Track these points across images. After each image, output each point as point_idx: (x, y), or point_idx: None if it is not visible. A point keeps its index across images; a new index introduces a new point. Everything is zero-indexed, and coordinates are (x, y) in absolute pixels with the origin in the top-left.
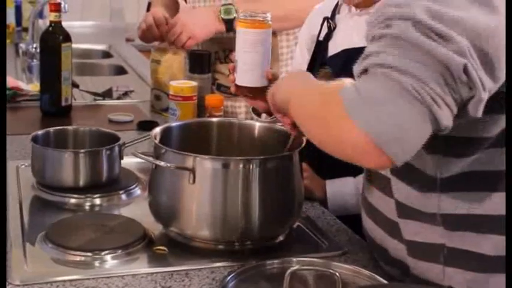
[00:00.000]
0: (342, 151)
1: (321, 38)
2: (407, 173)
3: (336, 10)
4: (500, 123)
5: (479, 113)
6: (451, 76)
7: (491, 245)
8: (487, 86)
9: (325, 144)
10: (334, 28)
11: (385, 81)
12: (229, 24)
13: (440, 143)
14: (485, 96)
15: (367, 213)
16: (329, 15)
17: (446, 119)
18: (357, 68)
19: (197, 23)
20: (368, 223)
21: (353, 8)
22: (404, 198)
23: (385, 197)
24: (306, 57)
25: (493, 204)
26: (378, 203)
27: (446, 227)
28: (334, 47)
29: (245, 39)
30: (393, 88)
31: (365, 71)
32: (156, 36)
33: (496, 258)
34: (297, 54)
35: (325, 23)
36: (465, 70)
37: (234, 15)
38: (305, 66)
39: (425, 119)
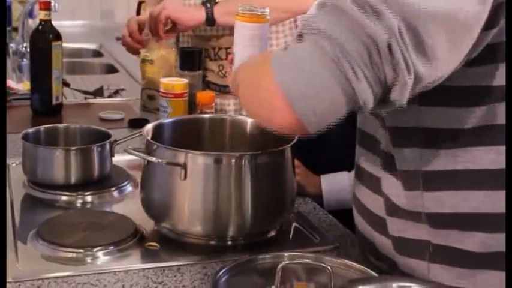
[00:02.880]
0: (260, 110)
1: None
2: (395, 168)
3: None
4: (477, 115)
5: (404, 99)
6: (377, 52)
7: (477, 242)
8: (418, 71)
9: (250, 106)
10: None
11: (310, 44)
12: (210, 12)
13: (417, 135)
14: (410, 80)
15: (356, 209)
16: None
17: (364, 93)
18: (295, 32)
19: (174, 4)
20: (358, 219)
21: None
22: (393, 195)
23: (373, 195)
24: None
25: (478, 202)
26: (366, 200)
27: (432, 225)
28: None
29: (243, 33)
30: (316, 50)
31: (300, 36)
32: (135, 45)
33: (482, 255)
34: None
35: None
36: (390, 47)
37: (213, 1)
38: None
39: (340, 85)
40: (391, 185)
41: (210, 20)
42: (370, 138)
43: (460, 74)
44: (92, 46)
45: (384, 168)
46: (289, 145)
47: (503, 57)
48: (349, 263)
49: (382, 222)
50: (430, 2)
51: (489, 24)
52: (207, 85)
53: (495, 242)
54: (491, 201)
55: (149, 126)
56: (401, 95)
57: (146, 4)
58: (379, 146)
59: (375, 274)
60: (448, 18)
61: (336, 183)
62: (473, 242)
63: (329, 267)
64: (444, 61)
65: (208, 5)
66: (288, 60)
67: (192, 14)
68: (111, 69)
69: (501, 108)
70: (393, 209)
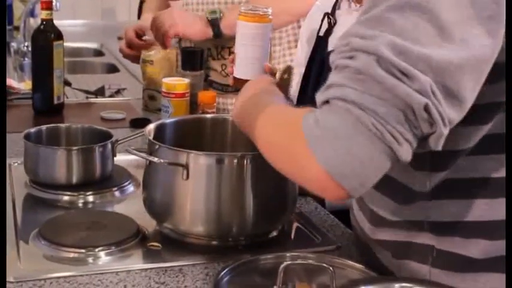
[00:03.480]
0: (304, 184)
1: (321, 34)
2: (390, 187)
3: (336, 6)
4: (481, 132)
5: (439, 147)
6: (413, 113)
7: (479, 249)
8: (451, 119)
9: (289, 175)
10: (335, 24)
11: (345, 117)
12: (216, 28)
13: (426, 160)
14: (446, 131)
15: (352, 215)
16: (330, 10)
17: (406, 154)
18: (319, 97)
19: (183, 19)
20: (353, 220)
21: (353, 4)
22: (379, 209)
23: (359, 205)
24: (306, 51)
25: (480, 210)
26: (356, 209)
27: (434, 232)
28: (334, 43)
29: (245, 33)
30: (353, 124)
31: (327, 102)
32: (136, 54)
33: (483, 261)
34: (298, 49)
35: (326, 18)
36: (426, 108)
37: (219, 15)
38: (305, 62)
39: (384, 156)
40: (374, 200)
41: (218, 35)
42: None
43: None
44: (93, 45)
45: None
46: None
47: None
48: (351, 263)
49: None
50: (453, 53)
51: None
52: (209, 84)
53: (497, 247)
54: (493, 209)
55: (151, 126)
56: (436, 144)
57: (146, 4)
58: None
59: (376, 274)
60: (471, 63)
61: None
62: (476, 249)
63: (331, 268)
64: (472, 99)
65: (215, 24)
66: (325, 137)
67: (200, 30)
68: (112, 69)
69: (501, 118)
70: (380, 221)
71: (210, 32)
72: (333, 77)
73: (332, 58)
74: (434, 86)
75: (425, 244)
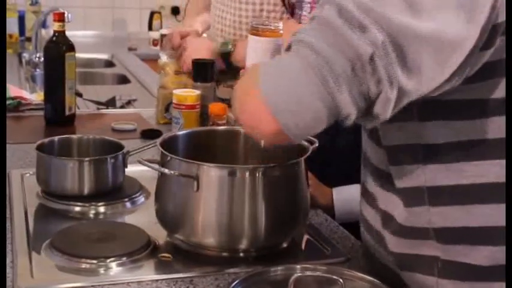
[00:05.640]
0: (246, 119)
1: None
2: (391, 185)
3: None
4: (478, 128)
5: (388, 114)
6: (361, 65)
7: (485, 256)
8: (403, 86)
9: (240, 114)
10: None
11: (295, 56)
12: (227, 61)
13: (418, 152)
14: (392, 95)
15: (362, 224)
16: None
17: (347, 106)
18: (286, 43)
19: (200, 53)
20: (364, 235)
21: None
22: (392, 212)
23: (372, 210)
24: None
25: (485, 216)
26: (368, 215)
27: (440, 240)
28: None
29: (256, 47)
30: (300, 63)
31: (289, 47)
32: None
33: (491, 268)
34: None
35: None
36: (371, 59)
37: (230, 47)
38: None
39: (322, 99)
40: (387, 202)
41: (229, 68)
42: (364, 154)
43: (459, 88)
44: (103, 56)
45: (376, 185)
46: (303, 157)
47: (502, 73)
48: (361, 275)
49: (382, 238)
50: (418, 22)
51: (485, 45)
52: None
53: (503, 254)
54: (498, 215)
55: (163, 138)
56: (383, 110)
57: (185, 15)
58: (371, 163)
59: (386, 286)
60: (433, 37)
61: (347, 196)
62: (482, 256)
63: (340, 279)
64: (428, 77)
65: (225, 57)
66: (274, 71)
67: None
68: (123, 80)
69: (503, 122)
70: (392, 226)
71: (221, 66)
72: (303, 26)
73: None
74: (389, 45)
75: (429, 255)
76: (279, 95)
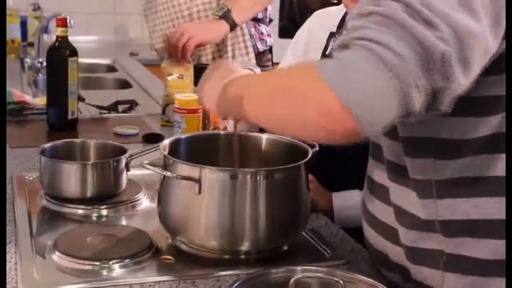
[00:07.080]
0: (308, 117)
1: (327, 53)
2: (405, 178)
3: (342, 25)
4: (492, 124)
5: (450, 109)
6: (431, 60)
7: (489, 249)
8: (460, 82)
9: (291, 117)
10: None
11: (364, 52)
12: (230, 20)
13: (431, 146)
14: (457, 91)
15: (368, 222)
16: (333, 29)
17: (417, 101)
18: (337, 42)
19: (197, 29)
20: (369, 231)
21: None
22: (404, 205)
23: (385, 206)
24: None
25: (490, 209)
26: (377, 211)
27: (445, 233)
28: None
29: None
30: (371, 58)
31: (344, 46)
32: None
33: (494, 262)
34: (288, 56)
35: (332, 38)
36: (443, 57)
37: (226, 8)
38: None
39: (396, 95)
40: (399, 195)
41: (234, 26)
42: (376, 147)
43: (475, 84)
44: (105, 61)
45: (390, 178)
46: (304, 161)
47: None
48: (361, 277)
49: (394, 233)
50: (469, 19)
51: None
52: None
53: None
54: (502, 208)
55: (166, 142)
56: (447, 105)
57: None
58: (383, 155)
59: None
60: (481, 38)
61: (347, 201)
62: (486, 249)
63: (341, 281)
64: (475, 73)
65: (228, 16)
66: (341, 69)
67: (217, 30)
68: (124, 84)
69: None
70: (405, 219)
71: (226, 26)
72: (353, 22)
73: (356, 10)
74: (455, 41)
75: (434, 249)
76: (352, 89)
